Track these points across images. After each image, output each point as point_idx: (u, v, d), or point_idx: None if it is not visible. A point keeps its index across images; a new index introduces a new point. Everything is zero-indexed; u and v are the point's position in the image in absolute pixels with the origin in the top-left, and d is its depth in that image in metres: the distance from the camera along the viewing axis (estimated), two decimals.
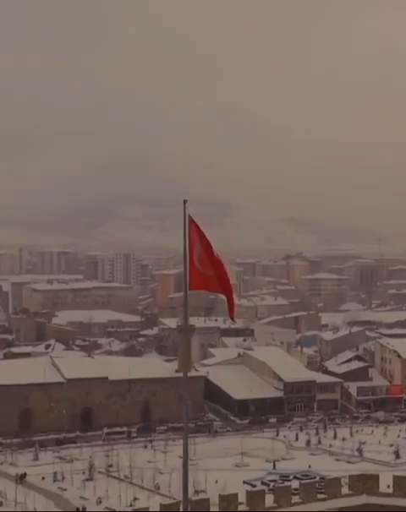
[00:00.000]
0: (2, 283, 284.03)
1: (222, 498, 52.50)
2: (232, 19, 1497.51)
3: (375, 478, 60.71)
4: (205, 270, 20.96)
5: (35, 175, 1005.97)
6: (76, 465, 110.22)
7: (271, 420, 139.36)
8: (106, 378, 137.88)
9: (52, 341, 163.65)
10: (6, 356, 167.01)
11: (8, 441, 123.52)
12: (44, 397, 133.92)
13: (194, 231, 20.88)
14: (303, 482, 67.78)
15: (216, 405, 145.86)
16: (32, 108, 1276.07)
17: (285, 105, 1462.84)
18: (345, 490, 59.85)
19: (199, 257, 20.96)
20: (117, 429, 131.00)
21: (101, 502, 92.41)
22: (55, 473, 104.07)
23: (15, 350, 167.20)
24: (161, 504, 49.95)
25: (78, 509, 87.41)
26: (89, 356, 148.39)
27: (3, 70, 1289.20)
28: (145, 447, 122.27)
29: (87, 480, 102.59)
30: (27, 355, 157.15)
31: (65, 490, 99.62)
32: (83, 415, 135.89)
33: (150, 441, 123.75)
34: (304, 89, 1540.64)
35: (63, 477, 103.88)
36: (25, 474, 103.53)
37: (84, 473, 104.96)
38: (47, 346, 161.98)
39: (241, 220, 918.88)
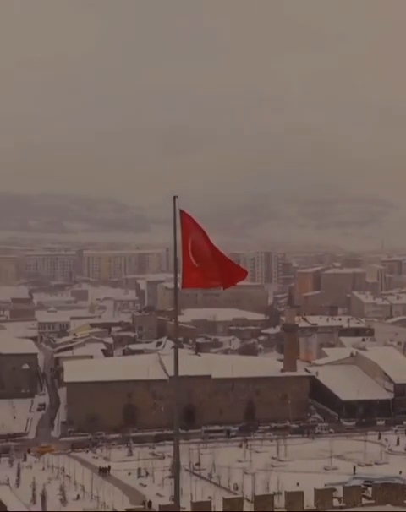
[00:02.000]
0: (140, 281, 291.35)
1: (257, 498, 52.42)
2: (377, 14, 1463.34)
3: (400, 488, 57.33)
4: (201, 264, 19.60)
5: (196, 175, 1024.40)
6: (166, 462, 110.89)
7: (379, 422, 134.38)
8: (210, 376, 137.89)
9: (164, 339, 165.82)
10: (124, 353, 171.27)
11: (109, 436, 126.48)
12: (147, 394, 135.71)
13: (188, 226, 19.63)
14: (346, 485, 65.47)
15: (324, 405, 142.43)
16: (192, 110, 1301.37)
17: None
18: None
19: (193, 250, 19.61)
20: (217, 427, 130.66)
21: (172, 500, 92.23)
22: (139, 469, 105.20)
23: (133, 347, 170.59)
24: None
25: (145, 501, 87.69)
26: (196, 353, 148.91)
27: (168, 77, 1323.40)
28: (240, 446, 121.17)
29: (170, 477, 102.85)
30: (140, 352, 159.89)
31: (145, 486, 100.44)
32: (185, 412, 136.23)
33: (246, 440, 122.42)
34: None
35: (147, 473, 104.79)
36: (109, 468, 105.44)
37: (170, 470, 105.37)
38: (158, 344, 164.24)
39: (393, 217, 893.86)
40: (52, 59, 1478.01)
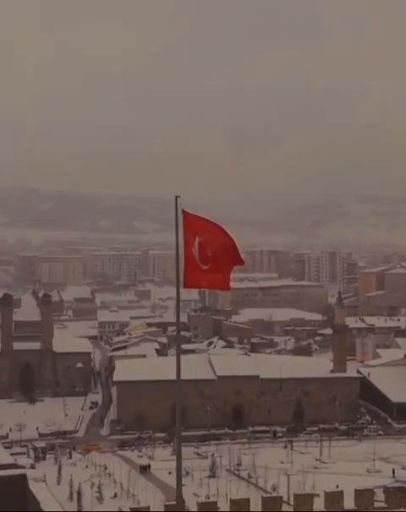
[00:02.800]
0: None
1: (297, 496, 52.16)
2: None
3: None
4: (211, 266, 19.29)
5: (265, 175, 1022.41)
6: (209, 461, 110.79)
7: None
8: (258, 376, 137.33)
9: (215, 339, 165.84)
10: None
11: (156, 435, 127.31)
12: (195, 393, 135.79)
13: (193, 225, 19.23)
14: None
15: (375, 407, 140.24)
16: (260, 110, 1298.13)
17: None
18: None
19: (202, 251, 19.26)
20: (263, 428, 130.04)
21: (208, 498, 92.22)
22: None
23: (186, 346, 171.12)
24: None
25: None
26: (245, 354, 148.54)
27: (236, 76, 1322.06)
28: (285, 447, 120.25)
29: (209, 477, 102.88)
30: (192, 352, 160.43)
31: (184, 485, 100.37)
32: (234, 412, 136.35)
33: (291, 441, 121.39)
34: None
35: (187, 473, 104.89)
36: (149, 466, 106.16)
37: (210, 470, 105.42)
38: (209, 343, 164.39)
39: None
40: (119, 57, 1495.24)
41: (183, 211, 19.04)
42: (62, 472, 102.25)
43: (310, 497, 52.97)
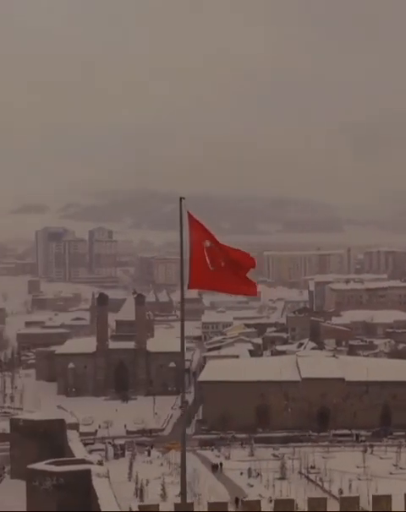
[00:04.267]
0: (309, 282, 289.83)
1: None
2: None
3: None
4: (216, 269, 20.39)
5: (387, 174, 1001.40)
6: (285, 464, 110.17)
7: None
8: (343, 378, 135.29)
9: (305, 340, 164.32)
10: (272, 353, 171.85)
11: (238, 435, 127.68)
12: (280, 395, 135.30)
13: (198, 228, 20.36)
14: None
15: None
16: (383, 109, 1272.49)
17: None
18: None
19: (211, 254, 20.42)
20: (345, 431, 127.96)
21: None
22: (249, 469, 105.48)
23: (280, 348, 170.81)
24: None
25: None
26: (333, 356, 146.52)
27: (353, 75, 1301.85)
28: (365, 451, 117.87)
29: (279, 479, 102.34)
30: (282, 353, 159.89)
31: (252, 486, 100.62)
32: (318, 415, 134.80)
33: (371, 446, 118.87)
34: None
35: (258, 474, 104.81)
36: (220, 464, 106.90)
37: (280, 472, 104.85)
38: (300, 345, 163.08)
39: None
40: (238, 58, 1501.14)
41: (189, 214, 19.98)
42: (133, 469, 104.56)
43: (356, 498, 52.27)
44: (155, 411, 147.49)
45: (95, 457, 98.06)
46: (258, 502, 53.74)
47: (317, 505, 50.42)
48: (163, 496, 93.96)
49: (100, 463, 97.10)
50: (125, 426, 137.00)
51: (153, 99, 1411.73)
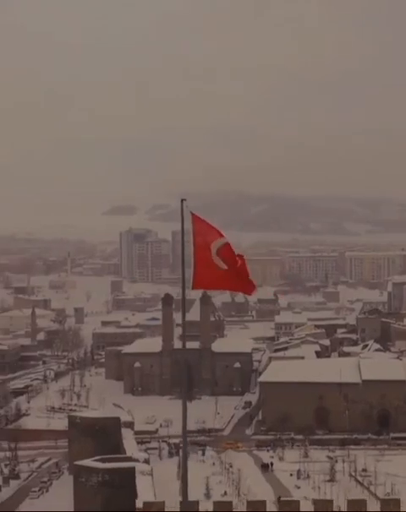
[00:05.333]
0: (388, 283, 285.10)
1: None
2: None
3: None
4: (230, 268, 19.91)
5: None
6: (337, 466, 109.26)
7: None
8: (404, 381, 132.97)
9: (370, 342, 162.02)
10: (339, 355, 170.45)
11: (295, 436, 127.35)
12: (339, 397, 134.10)
13: (202, 227, 19.98)
14: None
15: None
16: None
17: None
18: None
19: (223, 254, 19.93)
20: (404, 435, 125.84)
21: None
22: (298, 471, 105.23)
23: (347, 349, 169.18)
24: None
25: None
26: (398, 358, 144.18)
27: None
28: None
29: (328, 481, 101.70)
30: (347, 354, 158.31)
31: (299, 488, 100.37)
32: (379, 417, 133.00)
33: None
34: None
35: (308, 476, 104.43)
36: (271, 464, 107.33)
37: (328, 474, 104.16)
38: (364, 346, 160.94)
39: None
40: (330, 59, 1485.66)
41: (193, 214, 19.92)
42: (181, 468, 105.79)
43: (396, 501, 51.80)
44: (217, 410, 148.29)
45: (142, 455, 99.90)
46: (297, 502, 53.92)
47: (357, 506, 50.18)
48: (207, 495, 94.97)
49: (147, 461, 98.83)
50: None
51: (232, 99, 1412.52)
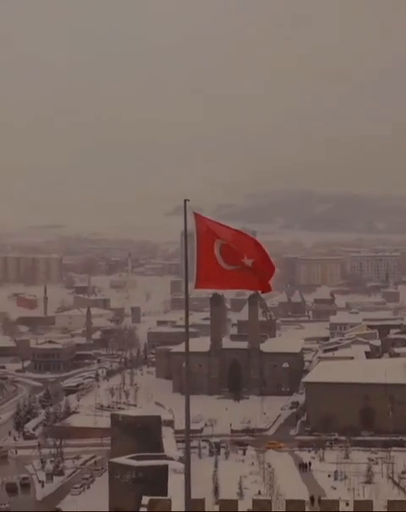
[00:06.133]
0: None
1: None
2: None
3: None
4: (241, 267, 19.37)
5: None
6: (376, 468, 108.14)
7: None
8: None
9: None
10: (390, 355, 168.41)
11: (339, 437, 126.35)
12: (384, 398, 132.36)
13: (206, 226, 19.68)
14: None
15: None
16: None
17: None
18: None
19: (225, 251, 19.39)
20: None
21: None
22: (336, 472, 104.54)
23: (398, 350, 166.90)
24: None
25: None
26: None
27: None
28: None
29: (365, 482, 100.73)
30: (397, 355, 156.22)
31: (335, 489, 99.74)
32: None
33: None
34: None
35: (345, 477, 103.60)
36: (309, 464, 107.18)
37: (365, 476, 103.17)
38: None
39: None
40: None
41: (195, 214, 19.61)
42: (219, 467, 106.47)
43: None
44: (264, 411, 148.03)
45: (177, 453, 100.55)
46: (336, 501, 53.88)
47: (398, 507, 49.88)
48: (239, 494, 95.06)
49: (181, 460, 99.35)
50: (230, 425, 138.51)
51: (287, 99, 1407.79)
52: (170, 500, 60.41)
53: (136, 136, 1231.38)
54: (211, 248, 19.28)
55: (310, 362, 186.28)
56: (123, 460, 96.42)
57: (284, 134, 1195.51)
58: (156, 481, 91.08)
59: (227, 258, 19.01)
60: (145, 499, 61.77)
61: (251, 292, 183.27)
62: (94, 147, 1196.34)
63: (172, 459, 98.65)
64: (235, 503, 56.39)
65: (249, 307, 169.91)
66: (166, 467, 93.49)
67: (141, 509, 53.42)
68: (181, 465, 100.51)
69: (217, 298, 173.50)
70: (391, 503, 55.60)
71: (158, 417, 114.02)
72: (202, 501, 54.96)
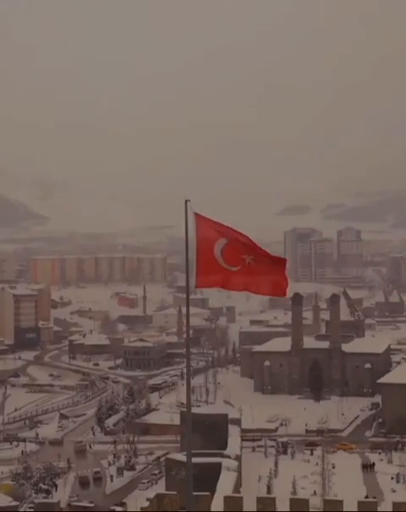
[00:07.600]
0: None
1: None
2: None
3: None
4: (242, 267, 19.76)
5: None
6: None
7: None
8: None
9: None
10: None
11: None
12: None
13: (208, 227, 19.90)
14: None
15: None
16: None
17: None
18: None
19: (226, 251, 19.80)
20: None
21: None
22: (398, 474, 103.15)
23: None
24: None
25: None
26: None
27: None
28: None
29: None
30: None
31: (394, 491, 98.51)
32: None
33: None
34: None
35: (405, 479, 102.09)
36: (372, 465, 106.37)
37: None
38: None
39: None
40: None
41: (196, 214, 19.69)
42: (278, 466, 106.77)
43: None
44: (343, 411, 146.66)
45: (233, 452, 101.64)
46: (374, 503, 54.05)
47: (402, 508, 49.87)
48: (293, 494, 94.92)
49: (237, 458, 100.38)
50: (306, 424, 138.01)
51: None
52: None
53: (248, 137, 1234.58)
54: (211, 248, 19.63)
55: (398, 363, 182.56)
56: (178, 456, 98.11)
57: (394, 131, 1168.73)
58: (210, 478, 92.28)
59: (228, 258, 19.37)
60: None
61: (334, 292, 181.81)
62: (207, 150, 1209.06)
63: (229, 457, 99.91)
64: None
65: (330, 308, 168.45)
66: (218, 465, 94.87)
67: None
68: (235, 463, 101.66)
69: (298, 298, 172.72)
70: (396, 505, 55.12)
71: (225, 416, 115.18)
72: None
